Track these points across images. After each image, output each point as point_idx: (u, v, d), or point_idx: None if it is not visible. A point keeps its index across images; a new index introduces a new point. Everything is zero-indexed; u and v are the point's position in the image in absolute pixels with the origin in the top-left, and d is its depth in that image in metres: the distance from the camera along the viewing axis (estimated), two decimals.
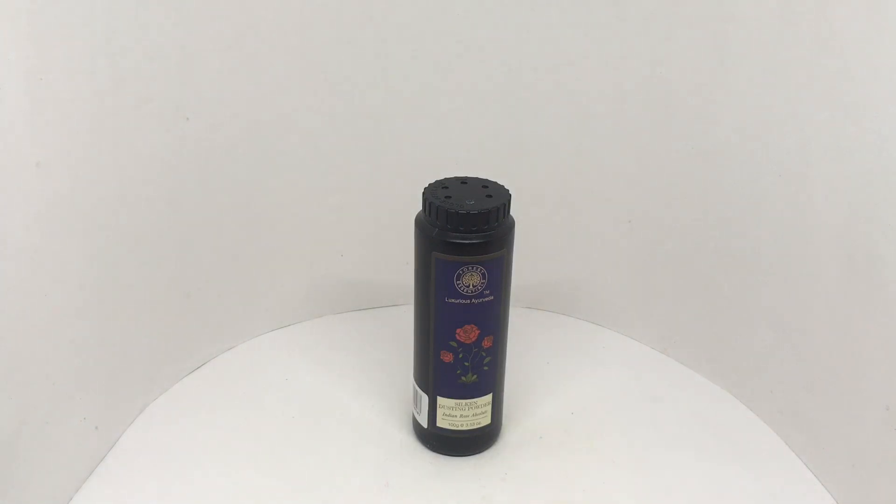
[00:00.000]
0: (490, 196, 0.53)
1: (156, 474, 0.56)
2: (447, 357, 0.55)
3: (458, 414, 0.57)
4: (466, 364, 0.55)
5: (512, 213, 0.54)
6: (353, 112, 0.67)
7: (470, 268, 0.52)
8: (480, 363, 0.55)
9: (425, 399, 0.57)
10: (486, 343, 0.55)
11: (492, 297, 0.53)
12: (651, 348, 0.72)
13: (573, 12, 0.64)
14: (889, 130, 0.49)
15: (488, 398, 0.57)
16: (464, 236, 0.51)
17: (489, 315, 0.54)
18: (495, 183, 0.55)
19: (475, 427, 0.58)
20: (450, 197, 0.52)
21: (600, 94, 0.66)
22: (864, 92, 0.51)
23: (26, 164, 0.47)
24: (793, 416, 0.60)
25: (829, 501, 0.56)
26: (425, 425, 0.58)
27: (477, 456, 0.59)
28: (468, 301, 0.53)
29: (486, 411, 0.57)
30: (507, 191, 0.54)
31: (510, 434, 0.61)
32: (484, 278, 0.52)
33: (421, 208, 0.54)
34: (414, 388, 0.59)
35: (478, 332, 0.54)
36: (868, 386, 0.53)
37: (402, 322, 0.72)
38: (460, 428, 0.57)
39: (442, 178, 0.56)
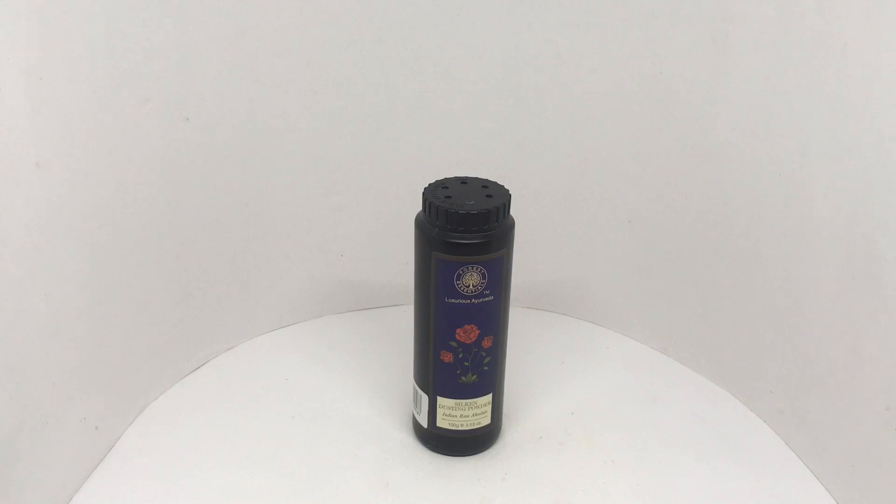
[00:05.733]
0: (490, 196, 0.53)
1: (156, 474, 0.56)
2: (447, 357, 0.55)
3: (458, 414, 0.57)
4: (466, 364, 0.55)
5: (512, 213, 0.54)
6: (353, 112, 0.67)
7: (470, 268, 0.52)
8: (480, 363, 0.55)
9: (425, 399, 0.57)
10: (486, 343, 0.55)
11: (492, 297, 0.53)
12: (651, 348, 0.72)
13: (573, 12, 0.64)
14: (889, 130, 0.49)
15: (488, 398, 0.57)
16: (464, 236, 0.51)
17: (489, 315, 0.54)
18: (495, 183, 0.55)
19: (475, 427, 0.58)
20: (450, 197, 0.52)
21: (600, 94, 0.66)
22: (864, 92, 0.51)
23: (26, 164, 0.47)
24: (793, 415, 0.60)
25: (829, 501, 0.56)
26: (425, 425, 0.58)
27: (477, 456, 0.59)
28: (468, 301, 0.53)
29: (486, 411, 0.57)
30: (507, 191, 0.54)
31: (510, 434, 0.61)
32: (484, 278, 0.52)
33: (421, 208, 0.54)
34: (414, 388, 0.59)
35: (478, 332, 0.54)
36: (868, 386, 0.53)
37: (402, 322, 0.72)
38: (460, 428, 0.57)
39: (442, 178, 0.56)
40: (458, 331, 0.54)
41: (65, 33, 0.49)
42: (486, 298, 0.53)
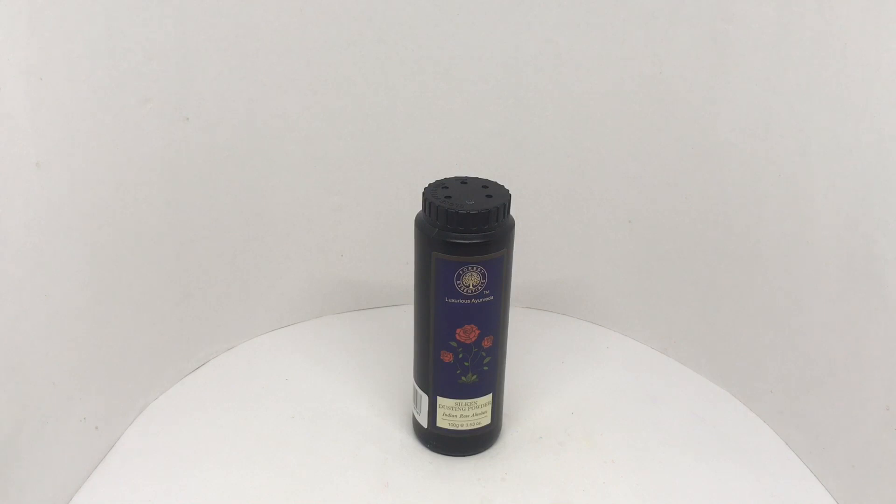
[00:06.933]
0: (490, 196, 0.53)
1: (156, 474, 0.56)
2: (447, 357, 0.55)
3: (458, 414, 0.57)
4: (466, 364, 0.55)
5: (512, 213, 0.54)
6: (353, 112, 0.67)
7: (470, 268, 0.52)
8: (480, 363, 0.55)
9: (425, 399, 0.57)
10: (486, 343, 0.55)
11: (492, 297, 0.53)
12: (651, 348, 0.72)
13: (573, 12, 0.64)
14: (889, 130, 0.49)
15: (488, 398, 0.57)
16: (464, 236, 0.51)
17: (489, 315, 0.54)
18: (495, 183, 0.55)
19: (475, 427, 0.58)
20: (450, 197, 0.52)
21: (600, 94, 0.66)
22: (864, 92, 0.51)
23: (26, 164, 0.47)
24: (793, 416, 0.60)
25: (829, 501, 0.56)
26: (425, 425, 0.58)
27: (477, 456, 0.59)
28: (468, 301, 0.53)
29: (486, 411, 0.57)
30: (507, 191, 0.54)
31: (510, 434, 0.61)
32: (484, 278, 0.52)
33: (421, 208, 0.54)
34: (414, 388, 0.59)
35: (478, 332, 0.54)
36: (868, 386, 0.53)
37: (402, 322, 0.72)
38: (460, 428, 0.57)
39: (442, 178, 0.56)
40: (458, 331, 0.54)
41: (65, 33, 0.49)
42: (486, 298, 0.53)
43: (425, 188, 0.54)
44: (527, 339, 0.71)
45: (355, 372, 0.67)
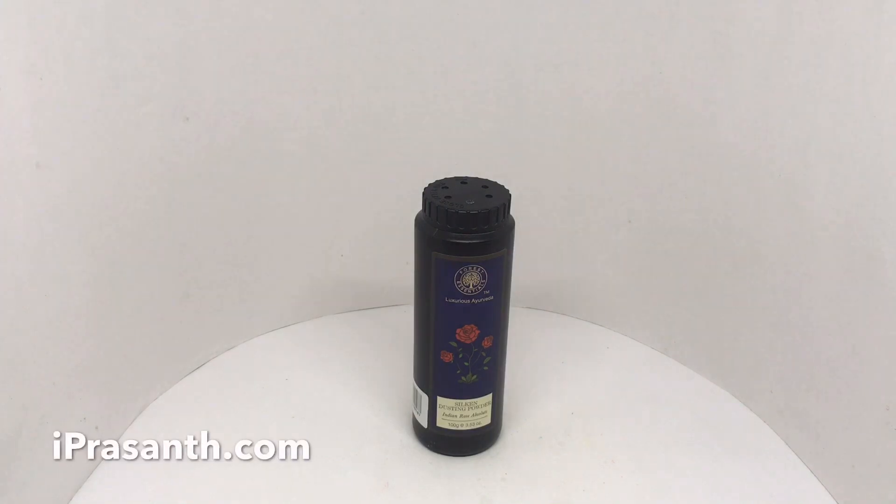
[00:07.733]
0: (490, 196, 0.53)
1: (156, 474, 0.56)
2: (447, 357, 0.55)
3: (458, 414, 0.57)
4: (466, 364, 0.55)
5: (512, 213, 0.54)
6: (353, 112, 0.67)
7: (470, 268, 0.52)
8: (480, 363, 0.55)
9: (425, 399, 0.57)
10: (486, 343, 0.55)
11: (492, 297, 0.53)
12: (651, 348, 0.72)
13: (573, 12, 0.64)
14: (889, 130, 0.49)
15: (488, 398, 0.57)
16: (464, 236, 0.51)
17: (489, 315, 0.54)
18: (495, 183, 0.55)
19: (475, 427, 0.58)
20: (450, 197, 0.52)
21: (600, 94, 0.66)
22: (864, 92, 0.51)
23: (26, 164, 0.47)
24: (793, 415, 0.60)
25: (829, 501, 0.56)
26: (425, 425, 0.58)
27: (477, 456, 0.59)
28: (468, 301, 0.53)
29: (486, 411, 0.57)
30: (507, 191, 0.54)
31: (510, 434, 0.61)
32: (484, 278, 0.52)
33: (421, 208, 0.54)
34: (414, 388, 0.59)
35: (478, 332, 0.54)
36: (868, 386, 0.53)
37: (402, 322, 0.72)
38: (460, 428, 0.57)
39: (442, 178, 0.56)
40: (458, 331, 0.54)
41: (65, 33, 0.49)
42: (486, 298, 0.53)
43: (425, 188, 0.54)
44: (527, 339, 0.71)
45: (355, 372, 0.67)
